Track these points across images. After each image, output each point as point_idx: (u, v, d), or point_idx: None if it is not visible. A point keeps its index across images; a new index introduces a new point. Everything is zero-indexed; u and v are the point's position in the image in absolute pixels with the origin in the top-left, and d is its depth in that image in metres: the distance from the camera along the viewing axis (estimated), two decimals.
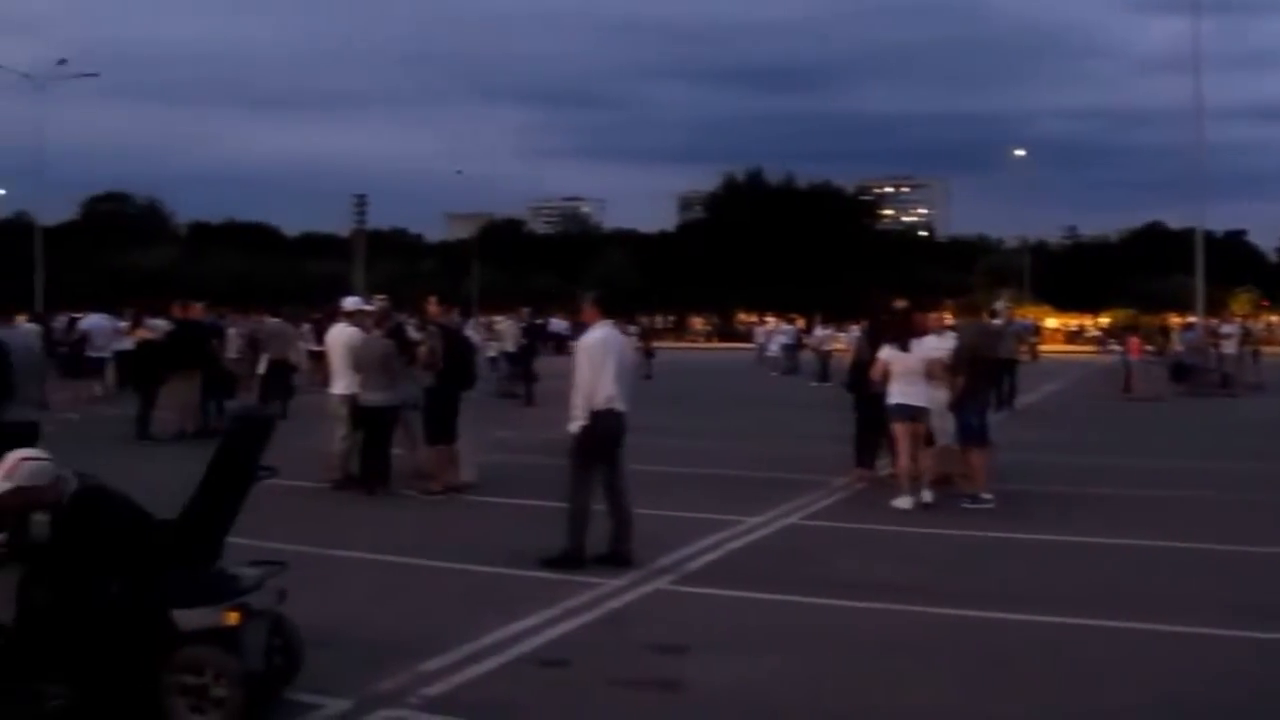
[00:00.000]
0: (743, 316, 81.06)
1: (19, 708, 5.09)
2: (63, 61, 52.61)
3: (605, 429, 8.97)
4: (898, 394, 11.65)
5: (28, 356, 10.27)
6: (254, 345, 20.23)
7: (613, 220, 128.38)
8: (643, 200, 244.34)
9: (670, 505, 11.05)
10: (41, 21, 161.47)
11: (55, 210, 75.89)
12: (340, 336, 12.94)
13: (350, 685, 6.05)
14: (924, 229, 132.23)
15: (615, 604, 8.01)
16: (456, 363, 12.34)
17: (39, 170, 55.79)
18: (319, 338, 22.36)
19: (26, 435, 9.35)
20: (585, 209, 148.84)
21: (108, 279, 64.52)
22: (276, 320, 20.64)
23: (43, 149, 55.08)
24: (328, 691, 5.93)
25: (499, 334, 25.46)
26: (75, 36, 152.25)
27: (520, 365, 24.69)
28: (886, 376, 11.71)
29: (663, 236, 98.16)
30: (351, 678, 6.16)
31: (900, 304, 13.39)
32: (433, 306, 12.92)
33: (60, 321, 26.69)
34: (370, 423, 12.21)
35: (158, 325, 19.98)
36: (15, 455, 5.41)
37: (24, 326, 11.72)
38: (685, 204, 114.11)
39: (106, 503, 5.48)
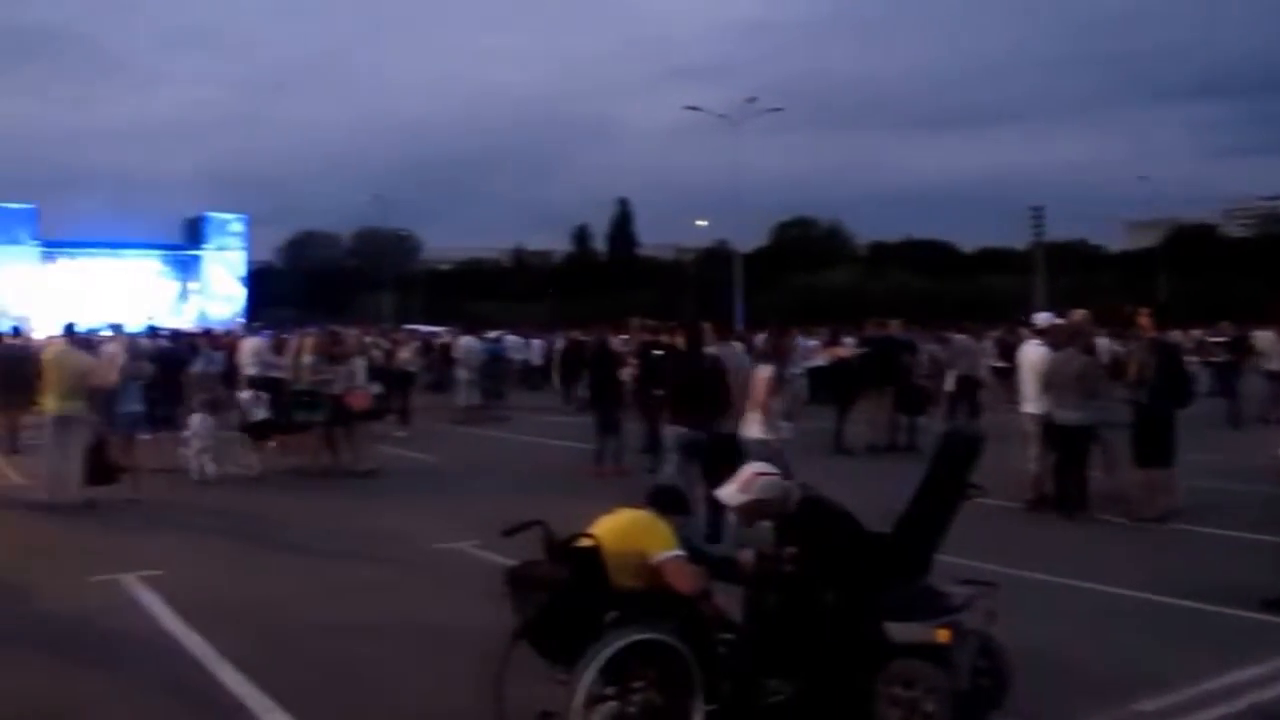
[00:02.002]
0: None
1: (745, 698, 5.43)
2: (752, 100, 56.51)
3: None
4: None
5: (740, 373, 11.10)
6: (937, 362, 20.40)
7: None
8: None
9: None
10: (731, 66, 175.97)
11: (750, 237, 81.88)
12: (1031, 353, 12.67)
13: (1058, 716, 5.86)
14: None
15: None
16: (1170, 379, 11.60)
17: (736, 201, 60.02)
18: (1003, 354, 22.12)
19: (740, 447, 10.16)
20: None
21: (796, 299, 68.49)
22: (963, 336, 20.65)
23: (738, 182, 59.49)
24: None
25: (1262, 351, 22.82)
26: (761, 76, 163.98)
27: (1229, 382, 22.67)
28: None
29: None
30: (1060, 708, 5.98)
31: None
32: (1144, 319, 12.26)
33: (758, 340, 28.64)
34: (1065, 442, 11.81)
35: (848, 343, 20.85)
36: (751, 470, 5.82)
37: (735, 345, 12.65)
38: None
39: (827, 514, 5.73)
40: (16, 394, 18.15)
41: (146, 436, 14.60)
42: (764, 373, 10.40)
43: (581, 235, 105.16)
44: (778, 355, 11.03)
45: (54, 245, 60.12)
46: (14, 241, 58.80)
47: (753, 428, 10.23)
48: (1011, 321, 27.60)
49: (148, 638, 7.63)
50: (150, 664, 7.06)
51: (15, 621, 8.09)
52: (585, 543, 5.22)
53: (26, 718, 6.14)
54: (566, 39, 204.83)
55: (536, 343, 34.09)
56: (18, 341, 22.10)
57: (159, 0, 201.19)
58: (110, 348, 14.69)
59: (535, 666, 5.26)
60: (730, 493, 5.78)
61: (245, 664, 6.89)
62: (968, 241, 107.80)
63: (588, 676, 4.92)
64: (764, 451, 9.43)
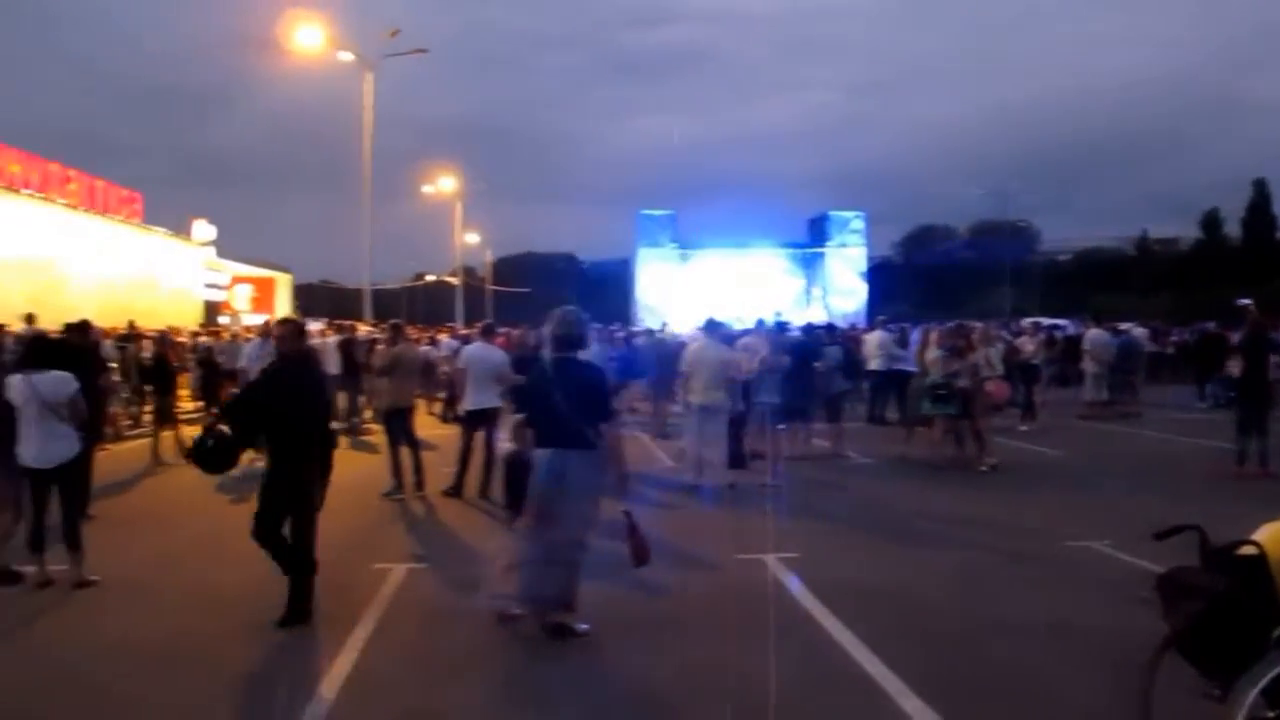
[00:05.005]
0: None
1: None
2: None
3: None
4: None
5: None
6: None
7: None
8: None
9: None
10: None
11: None
12: None
13: None
14: None
15: None
16: None
17: None
18: None
19: None
20: None
21: None
22: None
23: None
24: None
25: None
26: None
27: None
28: None
29: None
30: None
31: None
32: None
33: None
34: None
35: None
36: None
37: None
38: None
39: None
40: (667, 384, 19.93)
41: (782, 426, 15.41)
42: None
43: (1211, 221, 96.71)
44: None
45: (689, 246, 64.99)
46: (655, 245, 64.33)
47: None
48: None
49: (789, 616, 8.05)
50: (791, 640, 7.44)
51: (678, 593, 8.84)
52: (1248, 550, 4.87)
53: (698, 686, 6.67)
54: (1186, 17, 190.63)
55: (1170, 335, 32.13)
56: (664, 336, 24.24)
57: (789, 15, 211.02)
58: (749, 341, 15.65)
59: (1185, 678, 4.99)
60: None
61: (880, 648, 7.13)
62: None
63: (1249, 696, 4.59)
64: None
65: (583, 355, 7.97)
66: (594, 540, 7.68)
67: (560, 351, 7.76)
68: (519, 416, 8.20)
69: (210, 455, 7.97)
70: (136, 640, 7.50)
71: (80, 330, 13.74)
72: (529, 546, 7.58)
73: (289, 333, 8.56)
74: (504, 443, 8.94)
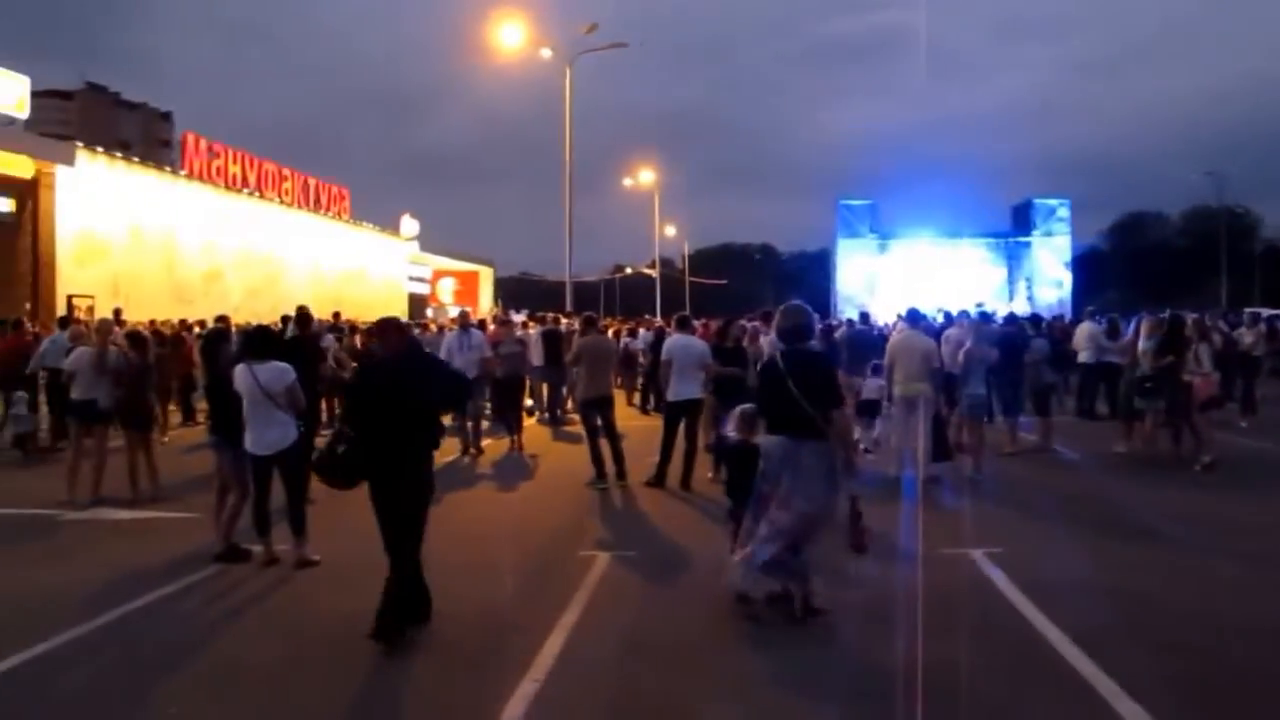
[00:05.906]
0: None
1: None
2: None
3: None
4: None
5: None
6: None
7: None
8: None
9: None
10: None
11: None
12: None
13: None
14: None
15: None
16: None
17: None
18: None
19: None
20: None
21: None
22: None
23: None
24: None
25: None
26: None
27: None
28: None
29: None
30: None
31: None
32: None
33: None
34: None
35: None
36: None
37: None
38: None
39: None
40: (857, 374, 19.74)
41: (988, 419, 15.06)
42: None
43: None
44: None
45: (890, 236, 64.07)
46: (855, 235, 63.64)
47: None
48: None
49: (995, 612, 7.92)
50: (998, 636, 7.31)
51: (882, 586, 8.68)
52: None
53: (904, 679, 6.50)
54: None
55: None
56: (864, 326, 24.02)
57: None
58: (954, 332, 15.37)
59: None
60: None
61: (1091, 648, 6.92)
62: None
63: None
64: None
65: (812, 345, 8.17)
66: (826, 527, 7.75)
67: (790, 343, 7.97)
68: (746, 406, 8.41)
69: (335, 466, 7.45)
70: (353, 619, 7.80)
71: (301, 321, 14.36)
72: (757, 532, 7.70)
73: (386, 333, 7.95)
74: (728, 432, 9.01)
